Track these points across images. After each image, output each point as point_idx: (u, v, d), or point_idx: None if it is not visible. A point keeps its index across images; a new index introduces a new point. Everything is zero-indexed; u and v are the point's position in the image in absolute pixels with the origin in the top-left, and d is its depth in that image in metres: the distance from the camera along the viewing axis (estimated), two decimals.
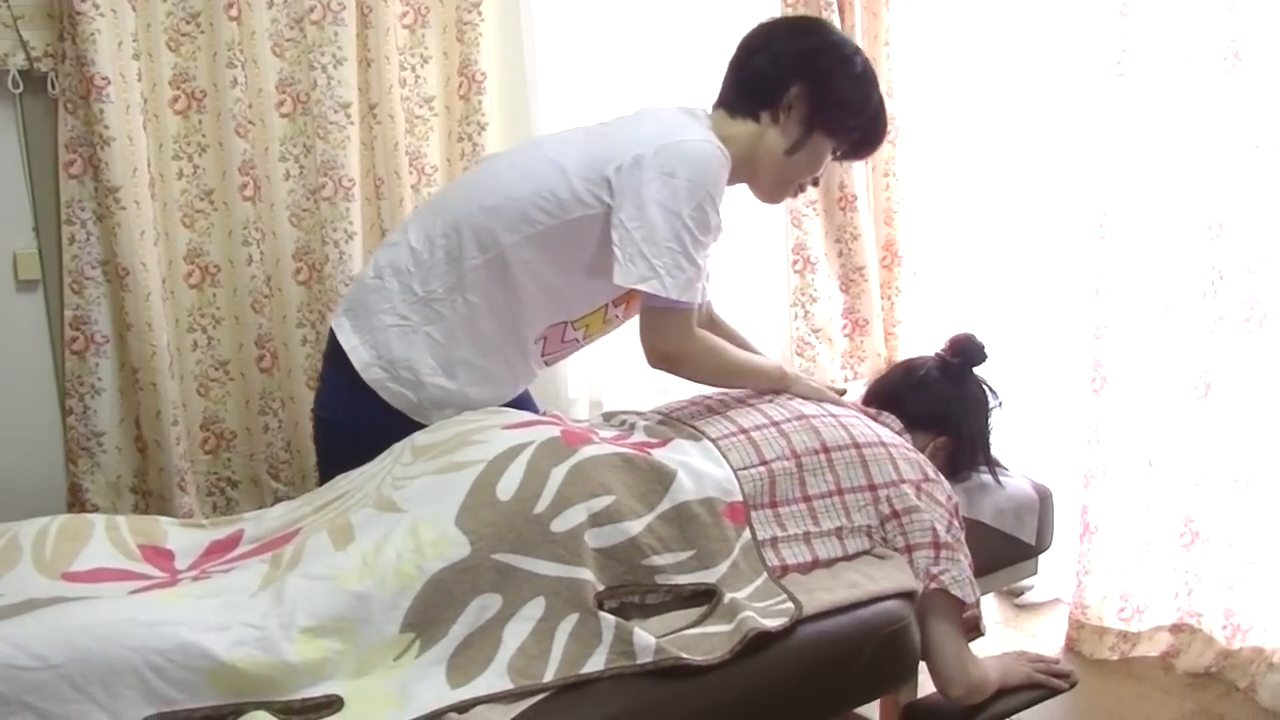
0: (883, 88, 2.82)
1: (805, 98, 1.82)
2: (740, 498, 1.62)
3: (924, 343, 2.72)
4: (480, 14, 2.47)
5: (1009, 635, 2.66)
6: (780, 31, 1.90)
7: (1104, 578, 2.50)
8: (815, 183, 1.96)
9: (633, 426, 1.82)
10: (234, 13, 2.30)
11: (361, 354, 1.82)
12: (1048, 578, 2.69)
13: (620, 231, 1.71)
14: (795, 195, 1.98)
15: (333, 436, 1.92)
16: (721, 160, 1.75)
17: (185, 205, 2.35)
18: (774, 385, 1.91)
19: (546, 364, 2.00)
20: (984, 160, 2.88)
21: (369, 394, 1.82)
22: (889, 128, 1.95)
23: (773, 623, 1.49)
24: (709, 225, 1.74)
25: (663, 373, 1.87)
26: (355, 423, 1.86)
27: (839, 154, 1.92)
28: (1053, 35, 2.72)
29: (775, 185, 1.92)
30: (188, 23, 2.30)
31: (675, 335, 1.78)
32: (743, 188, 1.93)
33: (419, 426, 1.79)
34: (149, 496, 2.35)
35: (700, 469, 1.62)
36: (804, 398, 1.89)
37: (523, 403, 2.02)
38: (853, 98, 1.85)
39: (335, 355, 1.86)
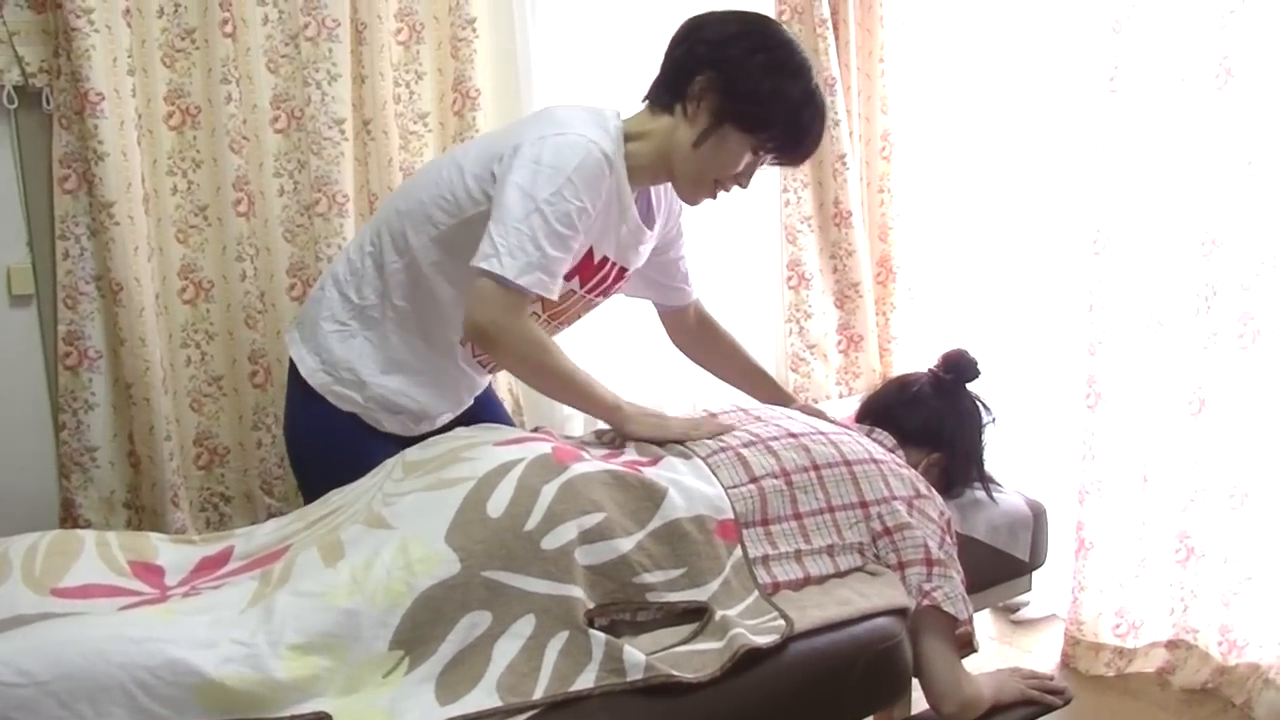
0: (877, 105, 2.89)
1: (714, 87, 1.74)
2: (731, 515, 1.62)
3: (919, 359, 2.73)
4: (475, 31, 2.47)
5: (1005, 651, 2.66)
6: (707, 21, 1.80)
7: (1100, 594, 2.50)
8: (742, 184, 1.84)
9: (624, 444, 1.81)
10: (229, 29, 2.30)
11: (307, 361, 1.86)
12: (1044, 594, 2.69)
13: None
14: (714, 196, 1.85)
15: (297, 451, 1.96)
16: (596, 157, 1.70)
17: (179, 220, 2.35)
18: (603, 415, 1.82)
19: (486, 368, 1.99)
20: (979, 176, 2.88)
21: (321, 402, 1.85)
22: (824, 129, 1.82)
23: (764, 639, 1.49)
24: (569, 217, 1.68)
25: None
26: (313, 433, 1.90)
27: (765, 156, 1.82)
28: (1046, 51, 2.72)
29: (688, 181, 1.83)
30: (183, 39, 2.30)
31: (497, 310, 1.67)
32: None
33: (373, 432, 1.83)
34: (142, 512, 2.33)
35: (691, 487, 1.62)
36: (646, 439, 1.78)
37: (498, 419, 2.02)
38: (765, 88, 1.72)
39: (291, 370, 1.91)
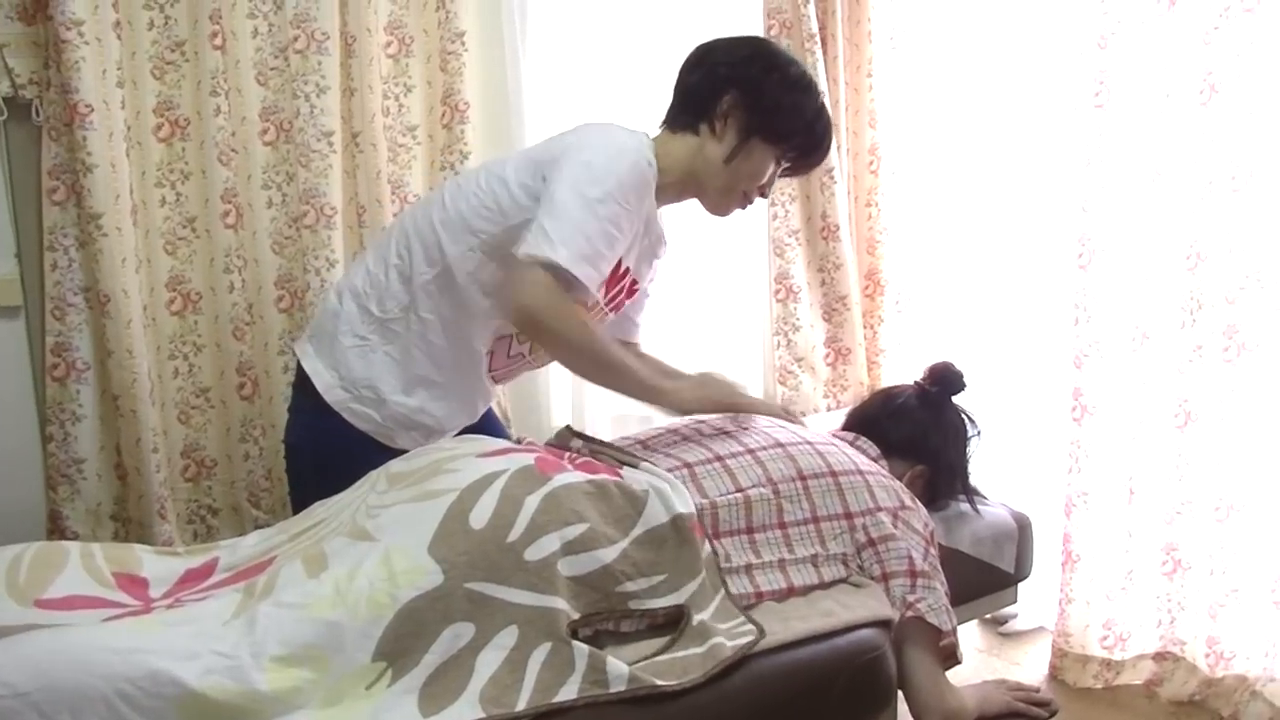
0: (865, 119, 2.91)
1: (739, 105, 1.86)
2: (694, 513, 1.63)
3: (907, 372, 2.73)
4: (464, 44, 2.48)
5: (993, 664, 2.66)
6: (717, 47, 1.93)
7: (1087, 606, 2.50)
8: (763, 194, 1.96)
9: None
10: (218, 41, 2.31)
11: (324, 377, 1.86)
12: (1031, 606, 2.70)
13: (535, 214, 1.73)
14: (744, 206, 1.97)
15: (301, 463, 1.95)
16: (643, 167, 1.78)
17: (167, 232, 2.35)
18: (649, 398, 1.87)
19: (495, 381, 2.01)
20: (966, 190, 2.89)
21: (334, 417, 1.85)
22: (833, 140, 1.97)
23: (741, 641, 1.50)
24: (617, 218, 1.74)
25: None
26: (322, 448, 1.89)
27: (785, 166, 1.93)
28: (1033, 67, 2.74)
29: (719, 195, 1.93)
30: (172, 51, 2.30)
31: (551, 295, 1.70)
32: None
33: (384, 448, 1.82)
34: (129, 524, 2.33)
35: (665, 489, 1.63)
36: (697, 411, 1.87)
37: (494, 430, 2.03)
38: (785, 102, 1.87)
39: (301, 382, 1.91)
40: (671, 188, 1.90)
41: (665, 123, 1.95)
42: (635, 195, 1.77)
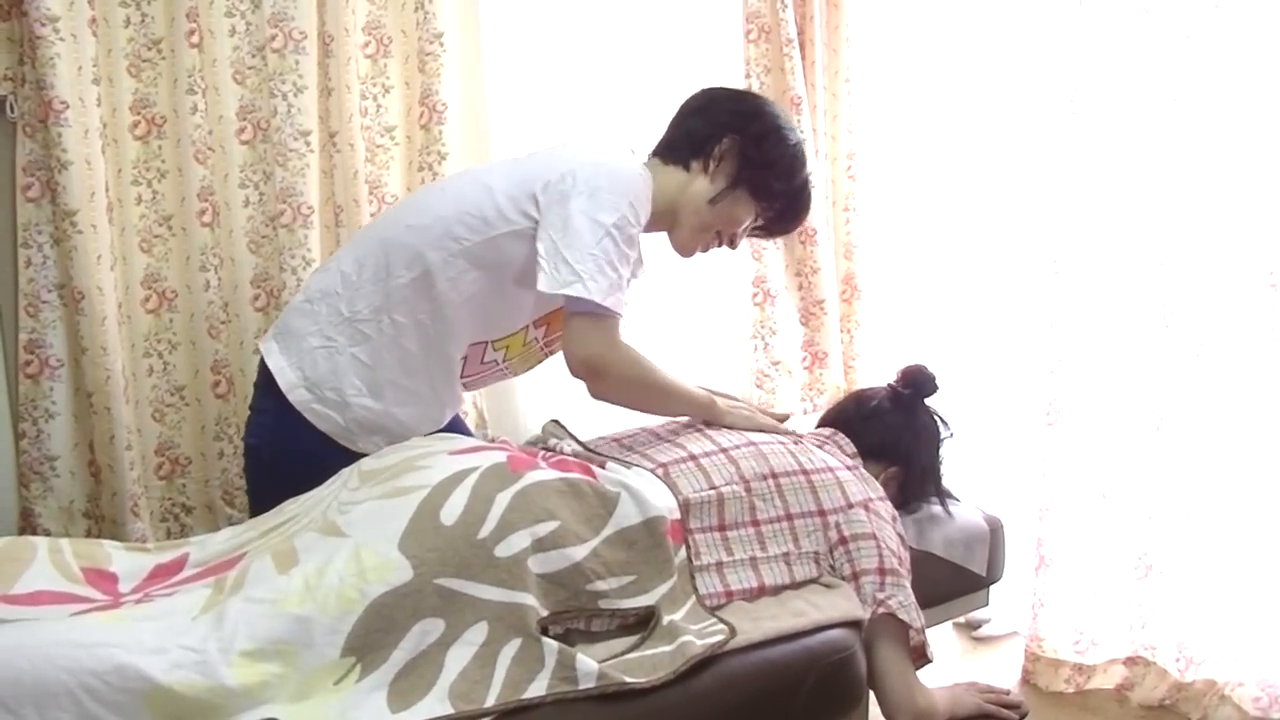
0: (842, 124, 2.92)
1: (736, 151, 1.90)
2: (680, 517, 1.64)
3: (883, 376, 2.72)
4: (442, 45, 2.47)
5: (966, 667, 2.67)
6: (720, 95, 2.00)
7: (1059, 610, 2.51)
8: (732, 244, 2.01)
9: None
10: (195, 39, 2.30)
11: (288, 375, 1.84)
12: (1005, 610, 2.71)
13: (545, 242, 1.74)
14: (707, 249, 2.01)
15: (260, 463, 1.93)
16: (644, 181, 1.81)
17: (143, 230, 2.34)
18: (701, 414, 1.92)
19: (466, 387, 2.02)
20: (942, 195, 2.91)
21: (296, 418, 1.83)
22: (813, 204, 2.03)
23: (712, 640, 1.51)
24: (633, 239, 1.77)
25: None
26: (282, 448, 1.87)
27: (759, 225, 1.99)
28: (1008, 72, 2.75)
29: (692, 232, 1.95)
30: (149, 49, 2.30)
31: (597, 341, 1.75)
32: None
33: (345, 451, 1.81)
34: (101, 521, 2.32)
35: (641, 490, 1.63)
36: (741, 429, 1.89)
37: (457, 427, 2.03)
38: (781, 164, 1.93)
39: (264, 380, 1.88)
40: (652, 217, 1.89)
41: (657, 154, 1.98)
42: (642, 212, 1.80)
